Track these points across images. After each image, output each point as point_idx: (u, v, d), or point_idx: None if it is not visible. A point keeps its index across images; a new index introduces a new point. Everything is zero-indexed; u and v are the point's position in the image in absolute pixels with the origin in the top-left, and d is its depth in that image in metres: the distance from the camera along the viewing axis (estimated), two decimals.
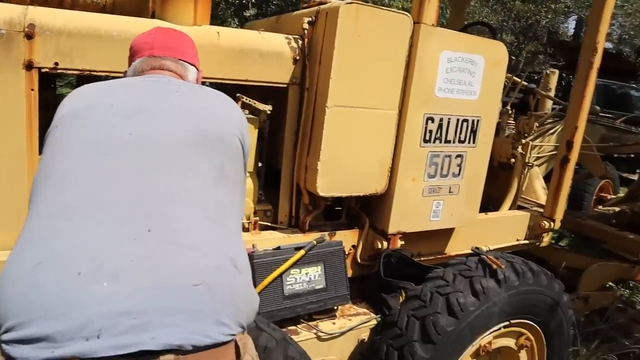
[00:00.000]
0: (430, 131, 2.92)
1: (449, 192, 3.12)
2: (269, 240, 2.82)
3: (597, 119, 4.95)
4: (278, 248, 2.66)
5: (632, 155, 5.89)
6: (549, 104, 5.18)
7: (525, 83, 4.32)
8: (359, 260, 3.11)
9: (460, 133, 3.04)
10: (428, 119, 2.88)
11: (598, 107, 4.92)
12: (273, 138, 3.00)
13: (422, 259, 3.38)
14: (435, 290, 2.53)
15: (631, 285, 5.95)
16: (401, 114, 2.84)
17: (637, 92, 13.55)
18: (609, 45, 25.68)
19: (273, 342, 1.98)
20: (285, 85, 2.79)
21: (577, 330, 4.07)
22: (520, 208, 4.14)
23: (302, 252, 2.63)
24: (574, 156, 3.77)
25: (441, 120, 2.93)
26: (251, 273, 1.60)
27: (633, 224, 5.28)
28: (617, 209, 5.71)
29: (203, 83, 2.53)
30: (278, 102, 2.89)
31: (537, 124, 3.93)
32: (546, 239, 4.11)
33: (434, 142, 2.95)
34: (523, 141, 4.02)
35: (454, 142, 3.03)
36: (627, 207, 5.59)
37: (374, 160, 2.85)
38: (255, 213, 2.97)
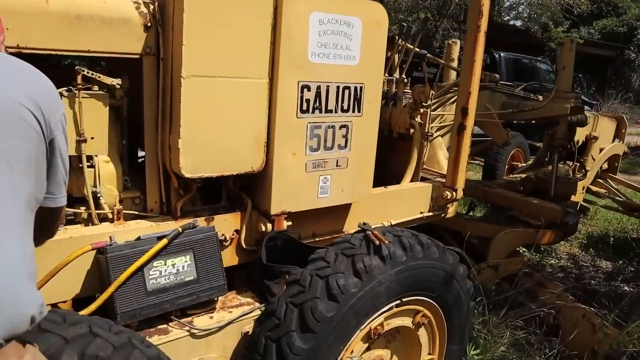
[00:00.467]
0: (308, 100, 2.66)
1: (337, 165, 2.89)
2: (134, 230, 2.48)
3: (497, 87, 4.88)
4: (138, 239, 2.33)
5: (533, 122, 5.95)
6: (453, 74, 5.08)
7: (418, 49, 4.15)
8: (244, 246, 2.84)
9: (343, 102, 2.80)
10: (303, 87, 2.62)
11: (498, 76, 4.85)
12: (137, 117, 2.65)
13: (317, 239, 3.15)
14: (315, 272, 2.30)
15: (542, 249, 6.04)
16: (272, 82, 2.57)
17: (544, 65, 14.04)
18: (519, 23, 26.67)
19: (109, 349, 1.67)
20: (138, 56, 2.44)
21: (485, 299, 4.00)
22: (423, 180, 3.99)
23: (164, 241, 2.32)
24: (470, 123, 3.65)
25: (319, 88, 2.68)
26: (35, 271, 1.28)
27: (538, 190, 5.32)
28: (523, 175, 5.75)
29: (29, 55, 2.15)
30: (135, 76, 2.54)
31: (434, 92, 3.77)
32: (451, 210, 3.99)
33: (313, 112, 2.70)
34: (421, 111, 3.86)
35: (336, 112, 2.79)
36: (533, 173, 5.62)
37: (246, 134, 2.56)
38: (121, 201, 2.63)
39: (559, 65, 4.65)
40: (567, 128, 4.99)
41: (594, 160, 6.45)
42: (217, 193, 2.85)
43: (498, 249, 4.53)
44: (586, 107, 14.79)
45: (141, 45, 2.42)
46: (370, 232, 2.45)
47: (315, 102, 2.70)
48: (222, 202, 2.85)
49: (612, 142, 6.87)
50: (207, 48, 2.34)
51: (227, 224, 2.78)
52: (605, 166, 6.96)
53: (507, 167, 7.76)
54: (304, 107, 2.66)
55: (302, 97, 2.64)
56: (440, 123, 4.42)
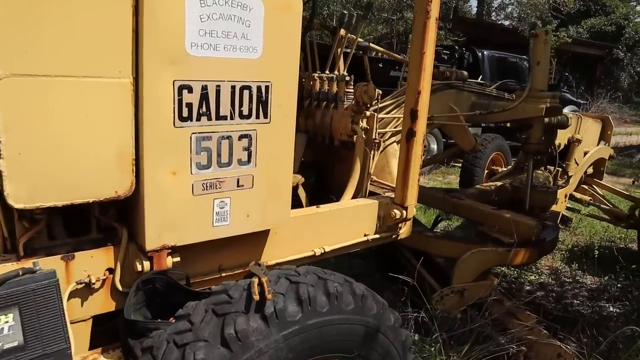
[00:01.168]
0: (189, 105, 2.03)
1: (238, 186, 2.26)
2: None
3: (465, 85, 4.25)
4: None
5: (508, 124, 5.33)
6: None
7: (361, 40, 3.53)
8: (120, 288, 2.20)
9: (242, 105, 2.17)
10: (182, 87, 1.99)
11: (465, 72, 4.23)
12: None
13: (223, 274, 2.52)
14: (172, 338, 1.68)
15: (516, 272, 5.43)
16: (137, 82, 1.94)
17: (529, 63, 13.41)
18: (508, 22, 26.04)
19: None
20: None
21: (444, 334, 3.39)
22: (372, 195, 3.37)
23: None
24: (421, 128, 3.03)
25: (204, 88, 2.05)
26: None
27: (513, 201, 4.69)
28: (499, 183, 5.13)
29: None
30: None
31: (380, 92, 3.15)
32: (404, 230, 3.37)
33: (199, 119, 2.07)
34: (367, 114, 3.23)
35: (232, 119, 2.16)
36: (509, 181, 5.00)
37: (104, 150, 1.93)
38: None
39: (533, 60, 4.02)
40: (546, 131, 4.37)
41: (577, 165, 5.83)
42: (85, 222, 2.22)
43: (463, 271, 3.91)
44: (574, 107, 14.22)
45: None
46: (258, 279, 1.82)
47: (201, 106, 2.06)
48: (91, 234, 2.21)
49: (597, 144, 6.25)
50: (35, 35, 1.71)
51: (95, 262, 2.15)
52: (590, 171, 6.34)
53: (486, 172, 7.14)
54: (185, 114, 2.03)
55: (180, 101, 2.01)
56: (395, 127, 3.79)
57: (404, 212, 3.13)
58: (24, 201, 1.83)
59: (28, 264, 1.98)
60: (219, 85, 2.09)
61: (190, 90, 2.02)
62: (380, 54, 7.11)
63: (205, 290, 2.15)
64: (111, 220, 2.21)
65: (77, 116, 1.85)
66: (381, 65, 9.41)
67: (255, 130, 2.24)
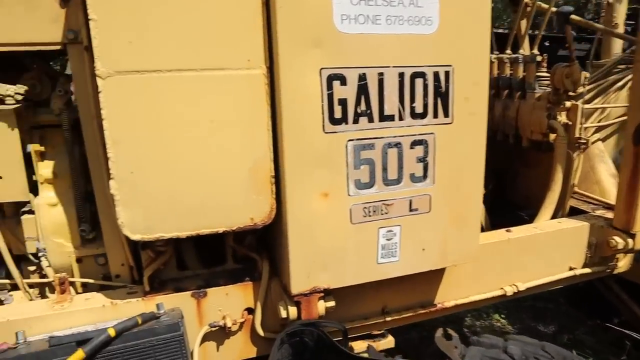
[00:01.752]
0: (343, 101, 1.43)
1: (410, 210, 1.62)
2: (74, 315, 1.51)
3: None
4: (51, 338, 1.33)
5: None
6: (617, 47, 3.36)
7: (554, 9, 2.62)
8: (261, 333, 1.70)
9: (413, 100, 1.52)
10: (332, 78, 1.40)
11: None
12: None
13: (387, 319, 1.89)
14: None
15: None
16: (272, 73, 1.39)
17: None
18: None
19: None
20: (59, 46, 1.44)
21: None
22: (574, 214, 2.47)
23: (79, 354, 1.28)
24: None
25: (362, 78, 1.44)
26: None
27: None
28: None
29: None
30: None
31: (587, 75, 2.25)
32: (623, 263, 2.41)
33: (356, 121, 1.47)
34: (567, 104, 2.36)
35: (401, 119, 1.52)
36: None
37: (235, 164, 1.43)
38: (79, 261, 1.68)
39: None
40: None
41: None
42: (219, 249, 1.76)
43: None
44: None
45: (60, 30, 1.42)
46: None
47: (358, 103, 1.45)
48: (226, 264, 1.75)
49: None
50: (140, 23, 1.26)
51: (232, 300, 1.68)
52: None
53: None
54: (338, 114, 1.44)
55: (331, 96, 1.42)
56: (599, 121, 2.80)
57: (629, 240, 2.19)
58: (140, 231, 1.40)
59: (152, 303, 1.57)
60: (381, 73, 1.46)
61: (343, 81, 1.42)
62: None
63: (363, 358, 1.54)
64: (249, 250, 1.72)
65: (197, 121, 1.36)
66: (548, 44, 7.90)
67: (432, 134, 1.57)
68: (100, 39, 1.23)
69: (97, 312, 1.55)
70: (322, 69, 1.38)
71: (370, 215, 1.58)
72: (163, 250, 1.57)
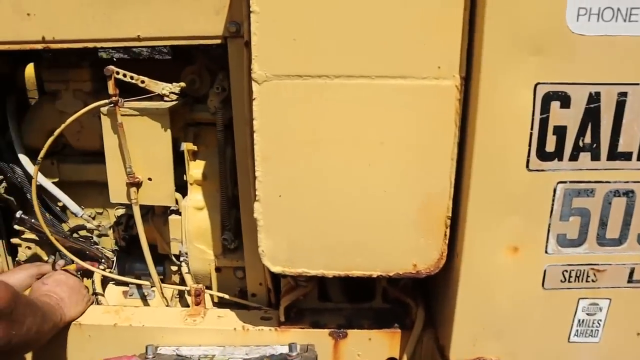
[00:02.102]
0: (562, 130, 1.03)
1: (629, 280, 1.16)
2: (203, 333, 1.37)
3: None
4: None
5: None
6: None
7: None
8: None
9: None
10: (551, 96, 1.00)
11: None
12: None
13: None
14: None
15: None
16: (468, 86, 1.04)
17: None
18: None
19: None
20: (219, 40, 1.26)
21: None
22: None
23: None
24: None
25: (594, 99, 1.01)
26: None
27: None
28: None
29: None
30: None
31: None
32: None
33: (574, 157, 1.05)
34: None
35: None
36: None
37: (404, 200, 1.12)
38: (218, 270, 1.54)
39: None
40: None
41: None
42: (367, 285, 1.48)
43: None
44: None
45: (222, 22, 1.23)
46: None
47: (582, 133, 1.04)
48: (373, 301, 1.46)
49: None
50: (310, 16, 0.99)
51: (374, 347, 1.41)
52: None
53: None
54: (550, 147, 1.04)
55: (545, 122, 1.02)
56: None
57: None
58: (282, 263, 1.17)
59: (286, 336, 1.35)
60: (623, 93, 1.02)
61: (565, 102, 1.01)
62: None
63: None
64: (402, 294, 1.41)
65: (364, 141, 1.08)
66: None
67: None
68: (261, 35, 1.00)
69: (227, 335, 1.38)
70: (538, 84, 0.99)
71: (570, 282, 1.16)
72: (305, 285, 1.33)
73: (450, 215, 1.12)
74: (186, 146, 1.50)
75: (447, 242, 1.15)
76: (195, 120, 1.52)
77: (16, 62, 1.69)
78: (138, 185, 1.39)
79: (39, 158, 1.35)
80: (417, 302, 1.39)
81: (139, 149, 1.36)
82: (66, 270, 1.51)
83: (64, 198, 1.62)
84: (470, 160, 1.05)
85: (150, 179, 1.40)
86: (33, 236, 1.75)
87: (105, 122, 1.34)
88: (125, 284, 1.65)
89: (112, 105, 1.29)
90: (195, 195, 1.55)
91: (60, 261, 1.53)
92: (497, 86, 1.00)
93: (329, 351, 1.39)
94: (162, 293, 1.53)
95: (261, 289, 1.52)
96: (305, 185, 1.10)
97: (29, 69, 1.71)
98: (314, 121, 1.06)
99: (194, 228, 1.55)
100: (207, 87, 1.50)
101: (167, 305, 1.55)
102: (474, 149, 1.03)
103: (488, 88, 1.00)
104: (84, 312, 1.44)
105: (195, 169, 1.54)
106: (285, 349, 1.29)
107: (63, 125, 1.32)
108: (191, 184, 1.55)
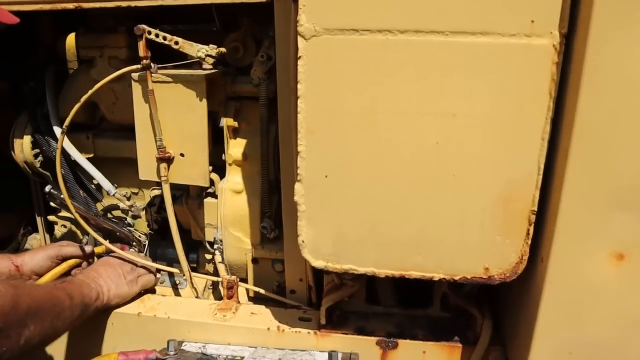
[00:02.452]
0: None
1: None
2: (233, 330, 1.21)
3: None
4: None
5: None
6: None
7: None
8: None
9: None
10: None
11: None
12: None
13: None
14: None
15: None
16: (571, 44, 0.80)
17: None
18: None
19: None
20: None
21: None
22: None
23: None
24: None
25: None
26: None
27: None
28: None
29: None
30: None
31: None
32: None
33: None
34: None
35: None
36: None
37: (477, 187, 0.90)
38: (256, 261, 1.38)
39: None
40: None
41: None
42: (425, 286, 1.26)
43: None
44: None
45: None
46: None
47: None
48: (430, 308, 1.24)
49: None
50: None
51: None
52: None
53: None
54: None
55: None
56: None
57: None
58: (325, 257, 0.98)
59: (326, 341, 1.16)
60: None
61: None
62: None
63: None
64: (466, 302, 1.18)
65: (432, 112, 0.86)
66: None
67: None
68: None
69: (259, 335, 1.21)
70: None
71: None
72: (351, 284, 1.14)
73: (535, 209, 0.90)
74: (226, 122, 1.34)
75: (529, 242, 0.92)
76: (237, 93, 1.36)
77: (58, 32, 1.60)
78: (169, 161, 1.24)
79: (64, 126, 1.22)
80: (483, 313, 1.16)
81: (172, 121, 1.21)
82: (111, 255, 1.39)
83: (97, 174, 1.50)
84: (567, 140, 0.82)
85: (182, 155, 1.25)
86: (66, 214, 1.66)
87: (137, 89, 1.20)
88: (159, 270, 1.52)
89: (144, 70, 1.15)
90: (234, 177, 1.39)
91: (87, 247, 1.41)
92: (612, 46, 0.76)
93: None
94: (192, 283, 1.38)
95: (301, 286, 1.34)
96: (356, 165, 0.91)
97: (70, 39, 1.61)
98: (371, 87, 0.86)
99: (230, 213, 1.39)
100: (251, 57, 1.34)
101: (196, 297, 1.40)
102: (575, 125, 0.80)
103: (599, 48, 0.77)
104: (130, 296, 1.31)
105: (235, 148, 1.38)
106: (324, 357, 1.10)
107: (90, 91, 1.19)
108: (230, 165, 1.39)
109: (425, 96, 0.85)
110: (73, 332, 1.27)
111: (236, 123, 1.36)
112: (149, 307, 1.30)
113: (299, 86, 0.88)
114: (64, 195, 1.34)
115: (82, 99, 1.20)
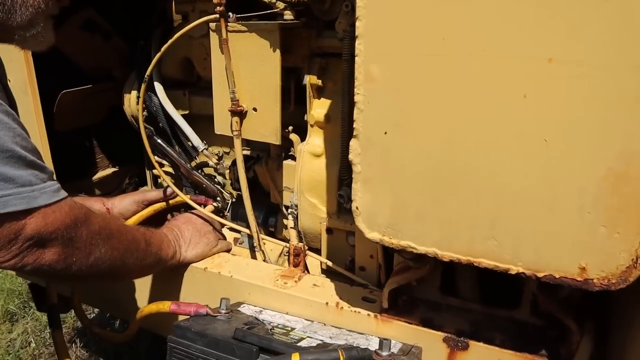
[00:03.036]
0: None
1: None
2: (292, 300, 1.14)
3: None
4: (237, 330, 0.97)
5: None
6: None
7: None
8: None
9: None
10: None
11: None
12: None
13: None
14: None
15: None
16: None
17: None
18: None
19: None
20: None
21: None
22: None
23: None
24: None
25: None
26: None
27: None
28: None
29: None
30: None
31: None
32: None
33: None
34: None
35: None
36: None
37: (575, 161, 0.68)
38: (330, 231, 1.31)
39: None
40: None
41: None
42: (513, 284, 1.05)
43: None
44: None
45: None
46: None
47: None
48: (517, 310, 1.03)
49: None
50: None
51: None
52: None
53: None
54: None
55: None
56: None
57: None
58: (380, 229, 0.84)
59: (387, 328, 1.02)
60: None
61: None
62: None
63: None
64: (560, 311, 0.95)
65: (518, 53, 0.66)
66: None
67: None
68: None
69: (316, 308, 1.11)
70: None
71: None
72: (415, 265, 0.98)
73: None
74: (309, 79, 1.25)
75: None
76: (323, 49, 1.25)
77: None
78: (241, 115, 1.19)
79: (145, 76, 1.23)
80: (581, 327, 0.92)
81: (245, 73, 1.14)
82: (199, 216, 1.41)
83: (188, 129, 1.52)
84: None
85: (255, 110, 1.18)
86: (170, 169, 1.72)
87: (214, 40, 1.16)
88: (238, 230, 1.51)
89: (219, 18, 1.09)
90: (314, 140, 1.29)
91: (169, 189, 1.45)
92: None
93: None
94: (260, 245, 1.32)
95: (372, 263, 1.20)
96: (421, 121, 0.75)
97: None
98: (443, 23, 0.69)
99: (307, 178, 1.30)
100: (338, 9, 1.22)
101: (264, 260, 1.35)
102: None
103: None
104: (205, 256, 1.32)
105: (317, 109, 1.28)
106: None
107: (166, 45, 1.18)
108: (311, 126, 1.29)
109: (511, 33, 0.65)
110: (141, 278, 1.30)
111: (320, 82, 1.26)
112: (216, 264, 1.28)
113: (357, 24, 0.74)
114: (145, 142, 1.37)
115: (162, 50, 1.19)
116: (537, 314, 1.00)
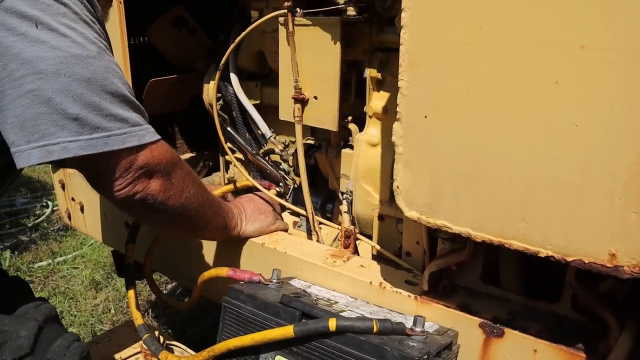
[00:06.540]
0: None
1: None
2: (338, 277, 1.23)
3: None
4: (284, 296, 1.07)
5: None
6: None
7: None
8: None
9: None
10: None
11: None
12: None
13: None
14: None
15: None
16: None
17: None
18: None
19: None
20: None
21: None
22: None
23: (288, 331, 0.97)
24: None
25: None
26: None
27: None
28: None
29: None
30: None
31: None
32: None
33: None
34: None
35: None
36: None
37: (610, 141, 0.71)
38: (381, 218, 1.40)
39: None
40: None
41: None
42: (556, 277, 1.06)
43: None
44: None
45: None
46: None
47: None
48: (558, 304, 1.04)
49: None
50: None
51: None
52: None
53: None
54: None
55: None
56: None
57: None
58: (419, 208, 0.90)
59: (426, 309, 1.08)
60: None
61: None
62: None
63: None
64: (599, 305, 0.95)
65: (552, 39, 0.70)
66: None
67: None
68: None
69: (360, 287, 1.18)
70: None
71: None
72: (452, 247, 1.02)
73: None
74: (369, 72, 1.33)
75: None
76: (384, 44, 1.32)
77: None
78: (303, 102, 1.29)
79: (220, 64, 1.37)
80: (621, 322, 0.92)
81: (308, 63, 1.25)
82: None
83: (257, 117, 1.65)
84: None
85: (316, 98, 1.28)
86: (240, 156, 1.87)
87: (282, 33, 1.27)
88: (297, 214, 1.61)
89: (287, 13, 1.21)
90: (372, 130, 1.37)
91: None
92: None
93: (475, 347, 1.05)
94: (314, 226, 1.42)
95: (417, 249, 1.25)
96: (458, 106, 0.80)
97: None
98: (479, 13, 0.74)
99: (363, 166, 1.38)
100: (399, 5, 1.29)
101: (317, 241, 1.44)
102: None
103: None
104: (263, 233, 1.44)
105: (377, 101, 1.35)
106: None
107: (239, 37, 1.31)
108: (370, 117, 1.37)
109: (544, 21, 0.69)
110: (205, 244, 1.44)
111: (380, 75, 1.33)
112: (273, 241, 1.39)
113: (402, 15, 0.81)
114: (217, 126, 1.52)
115: (236, 41, 1.33)
116: (578, 309, 1.01)
